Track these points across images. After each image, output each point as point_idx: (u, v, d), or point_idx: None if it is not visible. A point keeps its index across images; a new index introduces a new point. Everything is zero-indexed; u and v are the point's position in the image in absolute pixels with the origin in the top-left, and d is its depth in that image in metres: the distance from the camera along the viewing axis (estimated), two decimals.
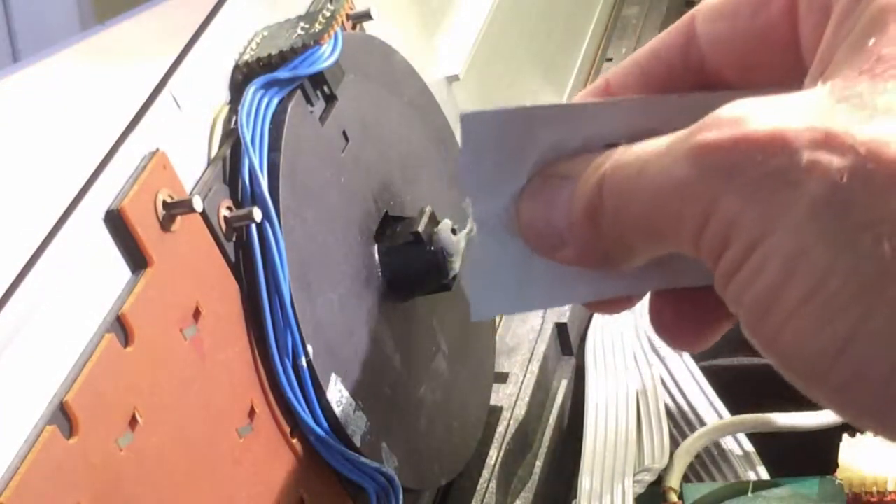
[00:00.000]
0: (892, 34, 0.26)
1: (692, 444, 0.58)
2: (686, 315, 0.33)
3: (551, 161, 0.32)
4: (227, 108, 0.46)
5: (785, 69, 0.31)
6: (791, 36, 0.30)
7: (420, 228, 0.50)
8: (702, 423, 0.60)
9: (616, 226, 0.29)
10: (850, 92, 0.25)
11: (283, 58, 0.47)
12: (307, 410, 0.45)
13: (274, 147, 0.45)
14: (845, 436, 0.54)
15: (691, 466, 0.59)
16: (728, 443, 0.59)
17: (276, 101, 0.46)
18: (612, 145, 0.31)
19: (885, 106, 0.25)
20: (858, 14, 0.27)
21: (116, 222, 0.38)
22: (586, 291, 0.34)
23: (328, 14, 0.48)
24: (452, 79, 0.66)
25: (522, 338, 0.65)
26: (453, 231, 0.51)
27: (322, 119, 0.48)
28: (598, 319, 0.66)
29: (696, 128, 0.27)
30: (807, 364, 0.25)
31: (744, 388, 0.62)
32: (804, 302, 0.25)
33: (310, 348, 0.44)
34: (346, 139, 0.50)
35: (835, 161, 0.24)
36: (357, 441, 0.46)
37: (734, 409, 0.60)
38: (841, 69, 0.26)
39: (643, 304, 0.61)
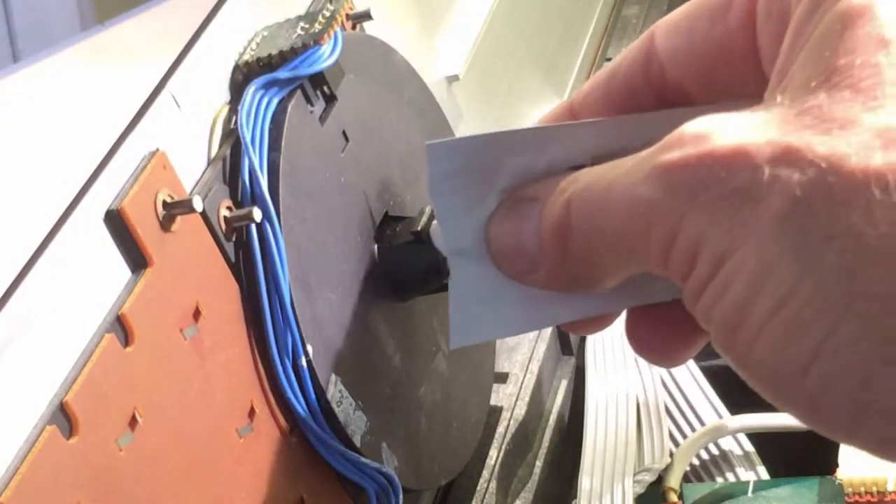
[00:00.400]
0: (848, 44, 0.25)
1: (692, 444, 0.58)
2: (661, 330, 0.33)
3: (518, 185, 0.32)
4: (227, 108, 0.46)
5: (746, 80, 0.31)
6: (750, 46, 0.30)
7: (420, 228, 0.50)
8: (702, 423, 0.60)
9: (585, 247, 0.29)
10: (809, 104, 0.25)
11: (283, 58, 0.47)
12: (307, 410, 0.45)
13: (274, 147, 0.45)
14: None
15: (691, 466, 0.59)
16: (728, 443, 0.59)
17: (276, 101, 0.46)
18: (577, 167, 0.31)
19: (843, 118, 0.24)
20: (815, 22, 0.27)
21: (116, 222, 0.38)
22: (562, 313, 0.34)
23: (328, 14, 0.48)
24: (452, 79, 0.66)
25: (522, 338, 0.65)
26: None
27: (322, 119, 0.48)
28: None
29: (660, 147, 0.27)
30: (776, 378, 0.25)
31: (744, 388, 0.62)
32: (771, 318, 0.25)
33: (310, 348, 0.44)
34: (346, 139, 0.50)
35: (795, 176, 0.24)
36: (357, 441, 0.46)
37: (734, 409, 0.60)
38: (799, 81, 0.26)
39: None
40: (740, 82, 0.31)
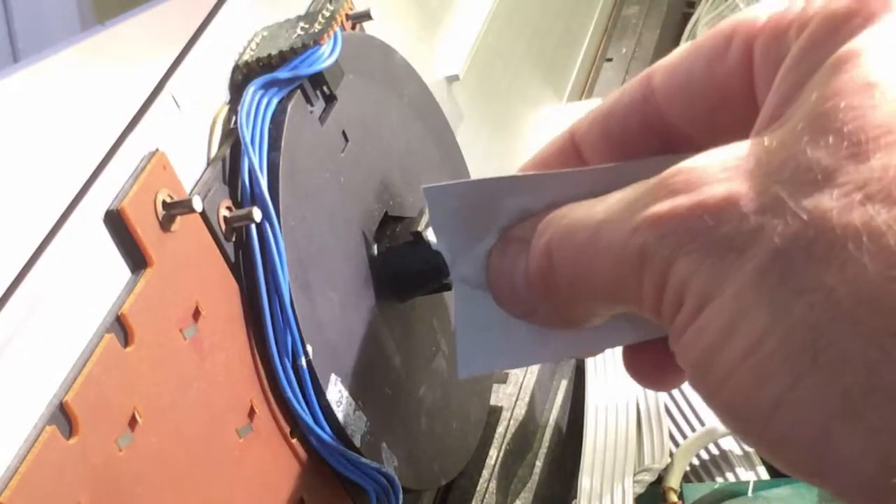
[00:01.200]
0: (835, 87, 0.26)
1: (692, 444, 0.58)
2: (656, 362, 0.34)
3: (514, 224, 0.33)
4: (226, 108, 0.46)
5: (744, 122, 0.31)
6: (748, 89, 0.30)
7: (420, 228, 0.50)
8: (702, 423, 0.60)
9: (568, 290, 0.30)
10: (794, 150, 0.26)
11: (283, 58, 0.47)
12: (307, 410, 0.45)
13: (274, 147, 0.45)
14: None
15: (691, 466, 0.59)
16: (728, 443, 0.59)
17: (275, 101, 0.46)
18: None
19: (826, 167, 0.25)
20: (807, 65, 0.27)
21: (116, 222, 0.38)
22: (564, 349, 0.35)
23: (328, 14, 0.48)
24: (452, 79, 0.66)
25: None
26: None
27: (322, 119, 0.48)
28: None
29: (649, 192, 0.27)
30: (743, 420, 0.26)
31: None
32: (741, 361, 0.25)
33: (310, 348, 0.44)
34: (346, 139, 0.50)
35: (779, 227, 0.25)
36: (357, 441, 0.46)
37: None
38: (787, 123, 0.26)
39: None
40: (739, 124, 0.31)
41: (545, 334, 0.33)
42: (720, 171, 0.26)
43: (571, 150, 0.35)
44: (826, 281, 0.24)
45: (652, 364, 0.34)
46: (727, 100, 0.31)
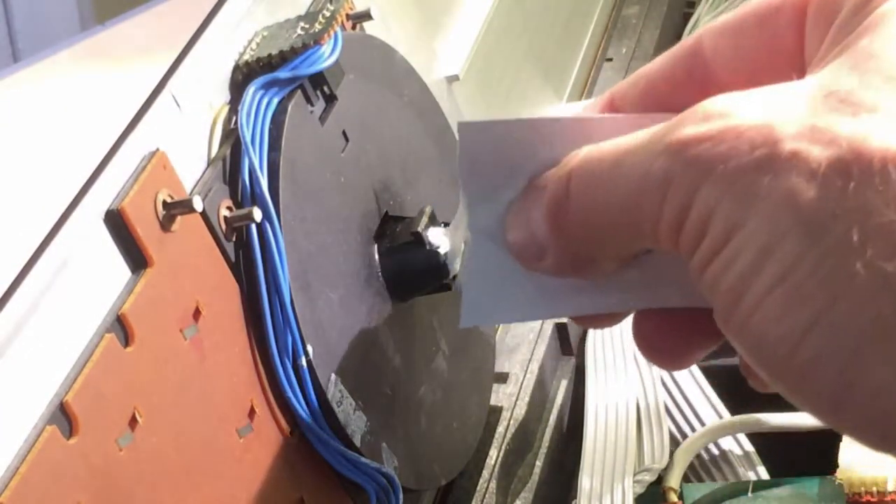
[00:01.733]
0: (886, 33, 0.26)
1: (692, 444, 0.58)
2: (668, 332, 0.33)
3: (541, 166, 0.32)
4: (227, 108, 0.46)
5: (786, 68, 0.31)
6: (798, 49, 0.30)
7: (420, 228, 0.50)
8: (702, 423, 0.60)
9: (582, 220, 0.30)
10: (839, 86, 0.26)
11: (283, 58, 0.47)
12: (307, 410, 0.45)
13: (274, 147, 0.45)
14: (845, 436, 0.54)
15: (691, 466, 0.59)
16: (728, 443, 0.59)
17: (276, 101, 0.46)
18: None
19: (872, 103, 0.25)
20: (858, 21, 0.27)
21: (116, 222, 0.38)
22: (572, 306, 0.34)
23: (328, 14, 0.48)
24: (452, 79, 0.66)
25: (522, 338, 0.65)
26: (442, 223, 0.51)
27: (322, 119, 0.48)
28: None
29: (679, 121, 0.27)
30: (770, 348, 0.26)
31: (744, 388, 0.62)
32: (774, 287, 0.25)
33: (310, 348, 0.44)
34: (346, 139, 0.50)
35: (815, 152, 0.25)
36: (357, 441, 0.46)
37: (734, 409, 0.60)
38: (833, 65, 0.27)
39: None
40: (782, 76, 0.31)
41: (553, 290, 0.33)
42: (757, 100, 0.26)
43: (609, 111, 0.34)
44: (866, 203, 0.24)
45: (664, 335, 0.33)
46: (776, 59, 0.31)
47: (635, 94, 0.34)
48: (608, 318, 0.35)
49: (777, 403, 0.57)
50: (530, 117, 0.32)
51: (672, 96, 0.33)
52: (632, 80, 0.34)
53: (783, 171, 0.25)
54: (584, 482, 0.56)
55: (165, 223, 0.40)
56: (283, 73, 0.46)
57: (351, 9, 0.51)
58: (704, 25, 0.33)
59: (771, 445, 0.58)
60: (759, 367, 0.26)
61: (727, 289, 0.26)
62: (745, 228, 0.25)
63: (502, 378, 0.62)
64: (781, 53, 0.31)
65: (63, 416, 0.35)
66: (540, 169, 0.32)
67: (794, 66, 0.30)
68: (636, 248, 0.30)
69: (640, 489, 0.56)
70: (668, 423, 0.59)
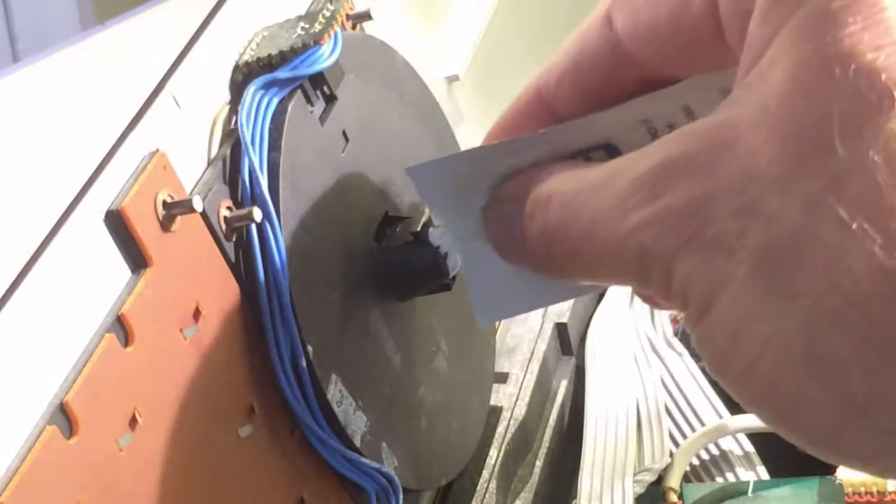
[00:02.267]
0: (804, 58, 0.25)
1: (692, 444, 0.58)
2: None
3: (503, 182, 0.33)
4: (227, 108, 0.46)
5: (719, 60, 0.30)
6: (717, 34, 0.30)
7: (420, 228, 0.50)
8: (702, 423, 0.60)
9: (573, 268, 0.30)
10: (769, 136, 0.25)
11: (283, 58, 0.47)
12: (307, 410, 0.45)
13: (274, 147, 0.45)
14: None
15: (691, 466, 0.59)
16: (728, 443, 0.59)
17: (276, 101, 0.46)
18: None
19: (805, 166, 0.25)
20: (775, 20, 0.26)
21: (116, 222, 0.38)
22: (575, 290, 0.35)
23: (328, 14, 0.48)
24: (452, 79, 0.66)
25: (522, 338, 0.65)
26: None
27: (322, 119, 0.48)
28: (598, 319, 0.66)
29: (639, 191, 0.28)
30: (768, 412, 0.27)
31: None
32: (752, 368, 0.26)
33: (310, 348, 0.44)
34: (346, 139, 0.50)
35: (760, 228, 0.25)
36: (357, 441, 0.46)
37: (734, 409, 0.60)
38: (773, 82, 0.26)
39: (642, 304, 0.62)
40: (716, 61, 0.31)
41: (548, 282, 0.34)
42: (704, 161, 0.26)
43: (540, 108, 0.34)
44: (815, 284, 0.24)
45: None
46: (698, 43, 0.30)
47: (567, 91, 0.34)
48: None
49: None
50: (471, 149, 0.34)
51: (605, 90, 0.33)
52: (558, 73, 0.34)
53: (737, 250, 0.25)
54: (584, 482, 0.56)
55: (165, 223, 0.40)
56: (283, 73, 0.46)
57: (351, 9, 0.51)
58: (608, 4, 0.32)
59: (771, 445, 0.58)
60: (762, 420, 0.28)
61: (712, 358, 0.27)
62: (718, 304, 0.26)
63: (502, 378, 0.62)
64: (703, 38, 0.30)
65: (63, 416, 0.35)
66: (497, 178, 0.33)
67: (720, 48, 0.30)
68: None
69: (640, 489, 0.56)
70: (668, 423, 0.59)
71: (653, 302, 0.34)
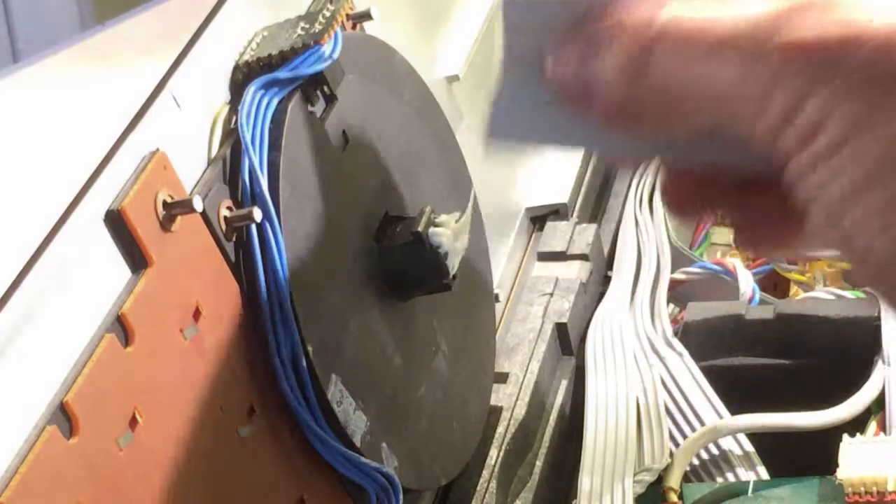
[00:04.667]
0: None
1: (692, 444, 0.58)
2: (698, 191, 0.32)
3: (599, 7, 0.30)
4: (227, 108, 0.46)
5: None
6: None
7: (420, 228, 0.50)
8: (702, 423, 0.60)
9: (666, 88, 0.28)
10: None
11: (283, 58, 0.47)
12: (307, 410, 0.45)
13: (274, 147, 0.45)
14: (845, 436, 0.54)
15: (691, 466, 0.59)
16: (728, 443, 0.59)
17: (276, 101, 0.46)
18: None
19: None
20: None
21: (116, 222, 0.38)
22: (600, 144, 0.33)
23: (328, 14, 0.48)
24: (452, 79, 0.66)
25: (522, 338, 0.65)
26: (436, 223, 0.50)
27: (322, 119, 0.48)
28: (598, 319, 0.66)
29: (794, 12, 0.25)
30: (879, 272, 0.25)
31: (744, 388, 0.62)
32: (869, 219, 0.24)
33: (310, 348, 0.44)
34: (346, 139, 0.50)
35: None
36: (357, 441, 0.46)
37: (734, 409, 0.60)
38: None
39: (642, 304, 0.62)
40: None
41: (587, 124, 0.31)
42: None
43: None
44: None
45: (689, 195, 0.32)
46: None
47: None
48: (633, 161, 0.33)
49: (777, 403, 0.58)
50: None
51: None
52: None
53: None
54: (584, 482, 0.56)
55: (165, 223, 0.40)
56: (283, 73, 0.46)
57: (351, 9, 0.51)
58: None
59: (771, 445, 0.58)
60: (860, 274, 0.26)
61: (827, 204, 0.25)
62: (863, 138, 0.24)
63: (502, 378, 0.62)
64: None
65: (63, 416, 0.35)
66: (594, 2, 0.30)
67: None
68: (714, 126, 0.28)
69: (640, 489, 0.56)
70: (668, 423, 0.59)
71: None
